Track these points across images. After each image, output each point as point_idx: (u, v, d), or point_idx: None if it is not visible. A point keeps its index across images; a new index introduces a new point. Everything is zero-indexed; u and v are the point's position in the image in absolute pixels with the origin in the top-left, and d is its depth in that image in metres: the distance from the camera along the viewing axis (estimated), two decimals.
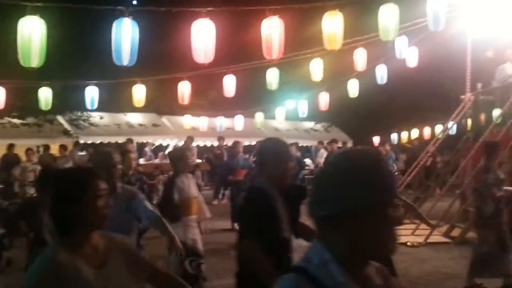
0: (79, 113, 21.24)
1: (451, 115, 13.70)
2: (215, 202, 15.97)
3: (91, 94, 13.88)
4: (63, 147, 16.65)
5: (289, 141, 10.12)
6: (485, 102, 13.15)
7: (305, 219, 3.87)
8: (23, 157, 14.93)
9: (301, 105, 18.93)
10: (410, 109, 24.53)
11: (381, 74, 13.15)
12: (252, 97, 21.26)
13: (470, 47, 13.19)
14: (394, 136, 26.46)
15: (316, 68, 11.88)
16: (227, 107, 20.76)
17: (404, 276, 7.26)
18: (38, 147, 18.27)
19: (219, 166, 17.04)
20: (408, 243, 9.96)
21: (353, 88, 14.37)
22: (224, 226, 11.87)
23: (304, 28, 13.75)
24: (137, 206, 4.54)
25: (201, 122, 22.23)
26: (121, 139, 18.99)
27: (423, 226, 9.71)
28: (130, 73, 11.36)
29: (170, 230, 4.66)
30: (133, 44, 7.81)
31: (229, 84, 12.92)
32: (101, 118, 22.03)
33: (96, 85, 13.91)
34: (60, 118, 21.06)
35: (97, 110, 16.98)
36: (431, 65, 17.22)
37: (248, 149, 16.29)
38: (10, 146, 16.23)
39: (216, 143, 19.12)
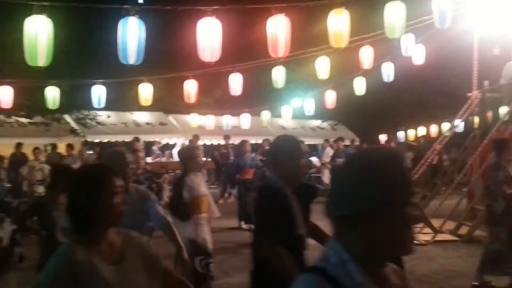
0: (86, 112, 21.30)
1: (458, 112, 13.63)
2: (221, 201, 15.99)
3: (98, 93, 13.93)
4: (70, 146, 16.71)
5: None
6: (492, 99, 13.09)
7: (314, 219, 3.91)
8: (30, 156, 14.99)
9: (308, 103, 18.92)
10: (416, 107, 24.48)
11: (388, 72, 13.13)
12: (259, 95, 21.28)
13: (476, 45, 13.14)
14: (400, 134, 26.42)
15: (323, 66, 11.86)
16: (233, 105, 20.79)
17: (411, 274, 7.24)
18: (45, 146, 18.33)
19: (225, 164, 17.06)
20: (416, 241, 9.94)
21: (359, 86, 14.35)
22: (231, 224, 11.89)
23: (310, 26, 13.74)
24: (150, 208, 4.55)
25: (208, 120, 22.26)
26: (128, 138, 19.03)
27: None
28: (137, 72, 11.40)
29: (179, 240, 4.63)
30: (140, 43, 7.82)
31: (235, 83, 12.93)
32: (108, 117, 22.11)
33: (103, 84, 13.95)
34: (67, 117, 21.14)
35: (104, 109, 17.05)
36: (437, 62, 17.18)
37: (254, 147, 16.28)
38: (18, 145, 16.30)
39: (222, 142, 19.13)
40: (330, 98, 16.27)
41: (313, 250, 3.60)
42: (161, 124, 23.35)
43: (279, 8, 8.21)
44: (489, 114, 13.23)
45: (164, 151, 21.46)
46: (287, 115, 21.18)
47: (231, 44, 9.96)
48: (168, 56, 19.81)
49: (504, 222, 7.02)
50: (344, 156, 17.19)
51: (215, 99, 22.92)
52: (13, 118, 19.42)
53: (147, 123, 23.02)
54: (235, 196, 14.82)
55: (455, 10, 8.90)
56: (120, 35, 7.82)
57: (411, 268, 7.66)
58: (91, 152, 18.38)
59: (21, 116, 19.58)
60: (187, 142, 19.75)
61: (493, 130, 11.52)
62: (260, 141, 18.22)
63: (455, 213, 11.21)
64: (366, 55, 11.36)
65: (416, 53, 12.08)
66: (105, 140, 20.71)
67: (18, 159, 15.46)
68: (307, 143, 21.19)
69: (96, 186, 2.30)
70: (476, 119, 13.70)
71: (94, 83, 13.97)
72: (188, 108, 20.55)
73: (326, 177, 18.46)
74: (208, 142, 22.19)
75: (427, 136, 23.54)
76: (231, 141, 18.44)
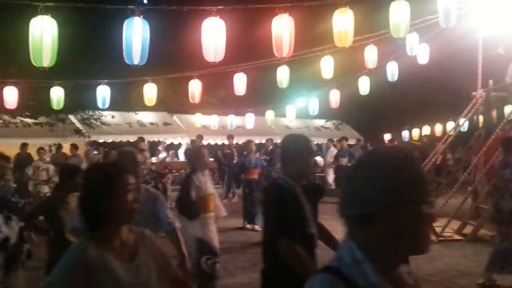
0: (90, 112, 21.31)
1: (462, 111, 13.62)
2: (226, 200, 16.02)
3: (103, 93, 13.95)
4: (74, 146, 16.75)
5: None
6: (497, 98, 13.08)
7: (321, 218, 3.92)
8: (35, 157, 15.04)
9: (312, 103, 18.90)
10: (421, 106, 24.43)
11: (392, 71, 13.10)
12: (263, 95, 21.30)
13: (481, 44, 13.12)
14: (405, 133, 26.39)
15: (327, 66, 11.85)
16: (237, 105, 20.82)
17: (416, 273, 7.23)
18: (50, 146, 18.38)
19: (228, 164, 17.08)
20: None
21: (364, 86, 14.32)
22: (235, 224, 11.91)
23: (314, 26, 13.74)
24: (159, 210, 4.58)
25: (212, 120, 22.28)
26: (132, 138, 19.07)
27: (435, 223, 9.67)
28: (141, 72, 11.40)
29: (183, 249, 4.64)
30: (144, 43, 7.83)
31: (240, 83, 12.94)
32: (113, 117, 22.12)
33: (107, 84, 13.97)
34: (72, 117, 21.16)
35: (109, 109, 17.09)
36: (442, 62, 17.11)
37: (258, 147, 16.30)
38: (23, 146, 16.35)
39: (226, 142, 19.15)
40: (335, 97, 16.25)
41: (324, 250, 3.63)
42: (166, 124, 23.38)
43: (283, 8, 8.21)
44: (494, 113, 13.22)
45: (168, 151, 21.51)
46: (291, 114, 21.16)
47: (235, 44, 9.94)
48: (172, 56, 19.82)
49: None
50: (348, 155, 17.21)
51: (219, 99, 22.94)
52: (18, 119, 19.44)
53: (152, 123, 23.05)
54: (239, 196, 14.84)
55: (460, 9, 8.87)
56: (124, 35, 7.82)
57: (416, 267, 7.64)
58: (95, 152, 18.42)
59: (26, 116, 19.61)
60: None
61: (498, 129, 11.51)
62: (264, 141, 18.26)
63: (459, 212, 11.20)
64: (371, 55, 11.33)
65: (420, 52, 12.05)
66: (110, 140, 20.73)
67: (23, 159, 15.53)
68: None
69: (110, 184, 2.32)
70: (481, 118, 13.70)
71: (99, 84, 13.98)
72: (192, 108, 20.58)
73: (330, 176, 18.46)
74: (212, 142, 22.23)
75: (431, 135, 23.51)
76: (235, 141, 18.47)
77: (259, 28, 10.57)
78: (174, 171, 18.42)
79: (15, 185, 13.79)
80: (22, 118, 19.56)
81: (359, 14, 8.61)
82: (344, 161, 17.10)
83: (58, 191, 5.68)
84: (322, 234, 3.81)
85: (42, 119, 20.04)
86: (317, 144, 23.78)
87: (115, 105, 17.31)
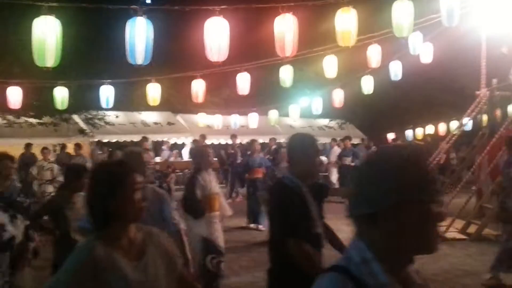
0: (94, 112, 21.37)
1: (466, 111, 13.59)
2: (230, 200, 16.02)
3: (106, 93, 13.98)
4: (78, 146, 16.77)
5: None
6: (501, 97, 13.06)
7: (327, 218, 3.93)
8: (39, 156, 15.07)
9: (315, 102, 18.91)
10: (424, 105, 24.41)
11: (395, 70, 13.09)
12: (266, 94, 21.30)
13: (484, 43, 13.10)
14: (409, 133, 26.35)
15: (330, 65, 11.86)
16: (241, 105, 20.81)
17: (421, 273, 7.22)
18: (54, 146, 18.41)
19: (231, 164, 17.08)
20: None
21: (367, 85, 14.33)
22: (239, 224, 11.91)
23: (317, 25, 13.74)
24: (165, 211, 4.60)
25: (216, 120, 22.29)
26: (136, 138, 19.04)
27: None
28: (145, 72, 11.42)
29: (187, 253, 4.67)
30: (148, 43, 7.84)
31: (243, 82, 12.95)
32: (117, 117, 22.16)
33: (111, 84, 14.00)
34: (76, 117, 21.21)
35: (113, 109, 17.13)
36: (445, 61, 17.09)
37: (262, 147, 16.30)
38: (28, 146, 16.38)
39: (230, 141, 19.16)
40: (338, 97, 16.26)
41: (330, 250, 3.64)
42: (169, 123, 23.39)
43: (286, 7, 8.21)
44: (498, 112, 13.20)
45: (172, 150, 21.52)
46: (295, 114, 21.15)
47: (238, 43, 9.93)
48: (176, 56, 19.85)
49: None
50: (351, 155, 17.20)
51: (223, 98, 22.97)
52: (22, 119, 19.50)
53: (155, 123, 23.06)
54: (243, 195, 14.84)
55: (463, 8, 8.86)
56: (128, 35, 7.84)
57: (420, 267, 7.62)
58: (100, 152, 18.45)
59: (30, 116, 19.67)
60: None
61: (501, 128, 11.49)
62: (267, 141, 18.25)
63: (463, 212, 11.18)
64: (374, 54, 11.33)
65: (424, 51, 12.05)
66: (114, 140, 20.76)
67: (27, 159, 15.55)
68: None
69: (117, 182, 2.32)
70: (485, 117, 13.67)
71: (103, 83, 14.02)
72: (196, 108, 20.59)
73: (333, 176, 18.45)
74: (216, 142, 22.23)
75: (435, 135, 23.47)
76: (238, 141, 18.46)
77: (263, 28, 10.55)
78: (177, 170, 18.46)
79: (20, 185, 13.84)
80: (26, 118, 19.61)
81: (362, 14, 8.61)
82: (348, 160, 17.09)
83: (63, 191, 5.69)
84: (327, 234, 3.81)
85: (46, 119, 20.10)
86: (321, 143, 23.78)
87: (119, 105, 17.32)
